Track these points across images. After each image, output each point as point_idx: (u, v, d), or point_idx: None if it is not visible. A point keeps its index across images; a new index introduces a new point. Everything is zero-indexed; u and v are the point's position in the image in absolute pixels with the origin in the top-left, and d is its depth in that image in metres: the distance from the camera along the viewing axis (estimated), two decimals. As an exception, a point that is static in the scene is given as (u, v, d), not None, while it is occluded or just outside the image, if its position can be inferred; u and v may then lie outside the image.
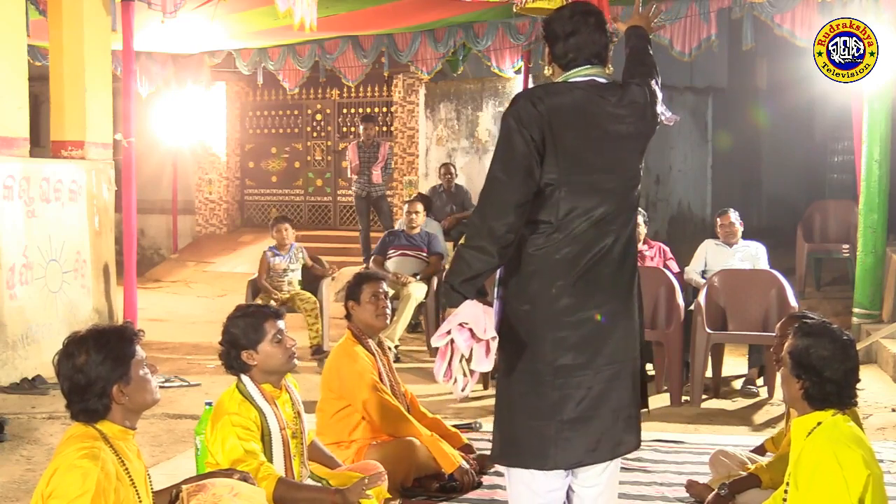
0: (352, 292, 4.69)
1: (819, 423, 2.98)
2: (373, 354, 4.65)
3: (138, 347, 2.88)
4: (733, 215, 7.44)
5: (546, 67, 3.34)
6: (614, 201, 3.10)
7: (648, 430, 5.67)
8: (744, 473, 4.13)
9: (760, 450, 4.67)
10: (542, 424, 3.06)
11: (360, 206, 11.57)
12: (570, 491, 3.17)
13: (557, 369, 3.04)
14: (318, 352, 7.63)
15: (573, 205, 3.04)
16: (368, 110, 14.23)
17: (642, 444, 5.20)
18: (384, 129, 13.92)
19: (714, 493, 4.12)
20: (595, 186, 3.08)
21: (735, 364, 7.54)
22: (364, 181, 11.29)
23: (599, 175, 3.08)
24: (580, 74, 3.14)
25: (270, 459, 3.61)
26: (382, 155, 11.28)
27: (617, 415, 3.11)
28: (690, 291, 7.19)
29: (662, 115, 3.36)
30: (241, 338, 3.64)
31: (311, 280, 8.19)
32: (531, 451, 3.09)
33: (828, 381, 2.96)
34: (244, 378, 3.67)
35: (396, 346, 7.87)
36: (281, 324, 3.69)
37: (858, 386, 3.07)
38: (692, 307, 6.73)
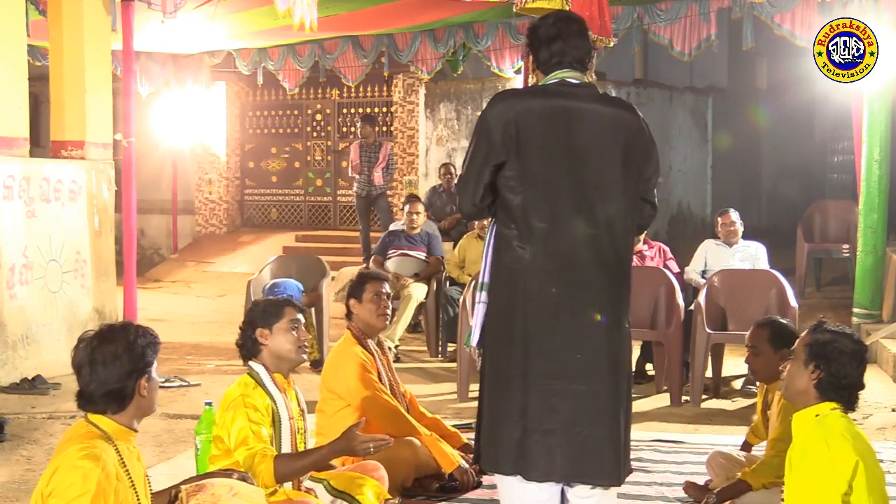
0: (354, 290, 4.69)
1: (816, 416, 3.04)
2: (372, 354, 4.65)
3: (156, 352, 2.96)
4: (734, 215, 7.44)
5: (531, 75, 3.41)
6: (586, 207, 3.10)
7: (648, 431, 5.68)
8: (739, 475, 4.13)
9: (746, 446, 4.68)
10: (509, 429, 3.08)
11: (360, 206, 11.55)
12: (566, 501, 3.16)
13: (527, 374, 3.06)
14: (318, 364, 7.48)
15: (538, 209, 3.09)
16: (368, 110, 14.23)
17: (643, 444, 5.21)
18: (384, 129, 13.92)
19: (704, 501, 4.12)
20: (562, 190, 3.10)
21: (735, 364, 7.53)
22: (364, 181, 11.28)
23: (567, 179, 3.10)
24: (556, 77, 3.21)
25: (279, 447, 3.61)
26: (384, 155, 11.24)
27: (585, 439, 3.04)
28: (690, 291, 7.18)
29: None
30: (260, 316, 3.73)
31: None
32: (500, 456, 3.11)
33: (845, 375, 3.03)
34: (256, 366, 3.69)
35: (396, 346, 7.86)
36: (300, 316, 3.76)
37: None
38: (692, 307, 6.73)
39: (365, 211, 11.53)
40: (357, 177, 11.33)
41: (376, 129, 11.82)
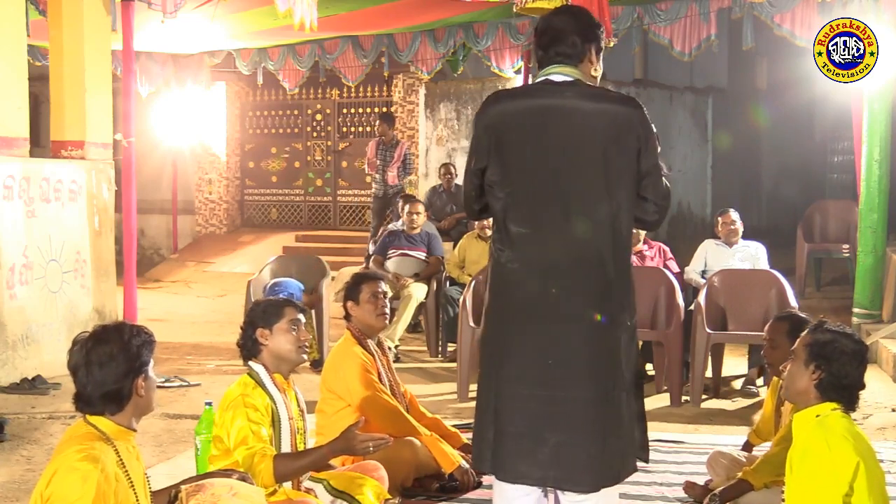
0: (350, 293, 4.68)
1: (817, 416, 3.05)
2: (372, 355, 4.65)
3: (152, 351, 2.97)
4: (734, 214, 7.44)
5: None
6: (564, 209, 3.04)
7: (649, 431, 5.67)
8: (740, 475, 4.13)
9: (748, 446, 4.67)
10: (486, 428, 3.12)
11: (375, 206, 11.27)
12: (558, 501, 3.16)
13: (498, 377, 3.10)
14: (318, 364, 7.49)
15: (516, 213, 3.09)
16: (368, 110, 14.23)
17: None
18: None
19: (707, 501, 4.12)
20: (538, 194, 3.06)
21: (735, 364, 7.54)
22: (380, 181, 11.12)
23: (543, 181, 3.06)
24: (543, 74, 3.17)
25: (279, 447, 3.62)
26: (398, 155, 11.06)
27: (554, 445, 3.01)
28: (690, 291, 7.19)
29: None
30: (260, 316, 3.73)
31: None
32: (480, 454, 3.17)
33: (845, 375, 3.03)
34: (256, 366, 3.70)
35: (396, 347, 7.86)
36: (301, 316, 3.77)
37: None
38: (692, 307, 6.73)
39: (380, 211, 11.26)
40: (375, 176, 11.24)
41: (393, 128, 11.60)
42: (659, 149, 3.15)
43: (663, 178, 3.15)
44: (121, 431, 2.84)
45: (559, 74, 3.13)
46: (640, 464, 4.90)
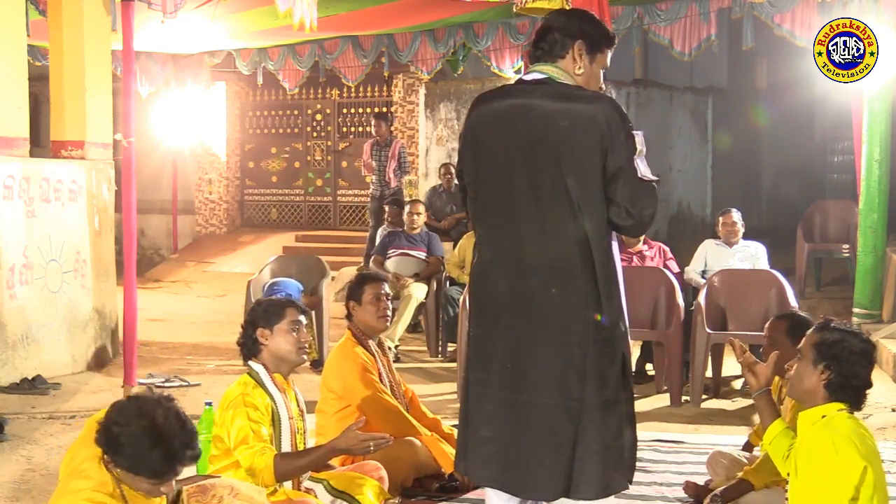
0: (353, 293, 4.69)
1: (823, 416, 3.03)
2: (373, 355, 4.65)
3: (179, 469, 2.76)
4: (735, 215, 7.45)
5: None
6: (522, 212, 2.99)
7: (648, 430, 5.68)
8: (741, 475, 4.13)
9: (748, 446, 4.67)
10: (460, 430, 3.18)
11: (372, 207, 11.14)
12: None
13: (466, 379, 3.14)
14: (318, 364, 7.48)
15: (480, 215, 3.12)
16: (369, 110, 14.21)
17: (643, 443, 5.20)
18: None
19: (708, 501, 4.11)
20: (495, 196, 3.05)
21: (735, 364, 7.51)
22: (377, 181, 11.03)
23: (502, 183, 3.03)
24: (527, 74, 3.16)
25: (279, 447, 3.62)
26: (393, 153, 10.95)
27: (514, 449, 2.99)
28: (690, 291, 7.19)
29: (639, 169, 3.00)
30: (261, 315, 3.73)
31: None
32: (456, 455, 3.23)
33: (854, 375, 3.02)
34: (256, 366, 3.70)
35: (396, 346, 7.87)
36: (302, 318, 3.76)
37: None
38: (692, 307, 6.73)
39: (375, 211, 11.08)
40: (372, 177, 11.18)
41: (390, 126, 11.42)
42: (641, 150, 3.00)
43: (642, 182, 2.98)
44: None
45: (536, 73, 3.09)
46: (638, 463, 4.91)
